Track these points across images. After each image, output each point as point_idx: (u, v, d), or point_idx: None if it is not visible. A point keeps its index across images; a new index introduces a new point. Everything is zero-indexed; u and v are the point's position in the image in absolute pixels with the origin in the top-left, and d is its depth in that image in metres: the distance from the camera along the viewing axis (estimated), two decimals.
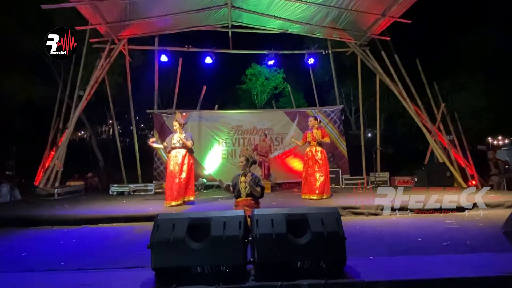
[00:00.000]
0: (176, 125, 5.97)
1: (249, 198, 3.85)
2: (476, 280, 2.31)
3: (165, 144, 6.11)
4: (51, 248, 3.63)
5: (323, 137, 6.42)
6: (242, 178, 3.92)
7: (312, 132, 6.49)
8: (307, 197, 6.37)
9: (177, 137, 5.91)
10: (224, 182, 4.09)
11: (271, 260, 2.35)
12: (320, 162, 6.37)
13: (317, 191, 6.26)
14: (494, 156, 8.45)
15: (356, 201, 5.64)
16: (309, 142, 6.50)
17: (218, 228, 2.36)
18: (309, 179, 6.39)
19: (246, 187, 3.85)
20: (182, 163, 5.84)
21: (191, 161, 6.03)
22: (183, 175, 5.82)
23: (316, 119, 6.59)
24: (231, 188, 4.05)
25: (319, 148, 6.44)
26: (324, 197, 6.25)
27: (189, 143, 5.92)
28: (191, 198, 5.97)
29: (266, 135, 9.27)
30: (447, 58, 14.87)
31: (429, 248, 3.32)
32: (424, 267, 2.55)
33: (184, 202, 5.83)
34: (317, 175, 6.32)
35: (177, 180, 5.78)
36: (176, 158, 5.86)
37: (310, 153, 6.46)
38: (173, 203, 5.72)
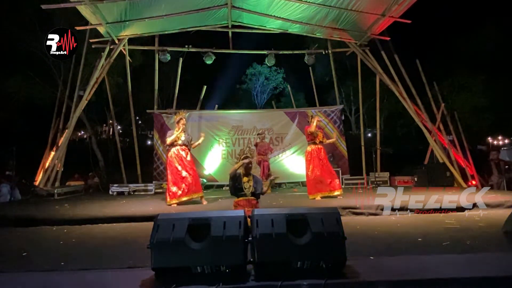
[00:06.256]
0: (183, 123, 5.99)
1: (251, 198, 3.87)
2: (476, 280, 2.30)
3: (182, 138, 6.02)
4: (51, 248, 3.63)
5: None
6: (245, 179, 3.92)
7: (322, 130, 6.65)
8: (319, 196, 6.20)
9: (185, 136, 6.03)
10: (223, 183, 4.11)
11: (271, 260, 2.35)
12: (325, 160, 6.43)
13: (336, 187, 6.29)
14: (498, 157, 8.41)
15: (356, 201, 5.64)
16: (321, 141, 6.52)
17: (218, 228, 2.36)
18: (318, 177, 6.29)
19: (250, 186, 3.85)
20: (188, 160, 6.00)
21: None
22: (192, 171, 5.97)
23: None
24: (231, 185, 4.02)
25: (320, 146, 6.50)
26: (340, 193, 6.30)
27: (196, 144, 6.19)
28: (195, 196, 5.99)
29: (265, 135, 9.23)
30: (447, 58, 14.87)
31: (429, 248, 3.32)
32: (424, 267, 2.54)
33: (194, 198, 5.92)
34: (328, 172, 6.36)
35: (188, 176, 5.87)
36: (181, 155, 5.96)
37: (314, 152, 6.43)
38: (184, 198, 5.82)
